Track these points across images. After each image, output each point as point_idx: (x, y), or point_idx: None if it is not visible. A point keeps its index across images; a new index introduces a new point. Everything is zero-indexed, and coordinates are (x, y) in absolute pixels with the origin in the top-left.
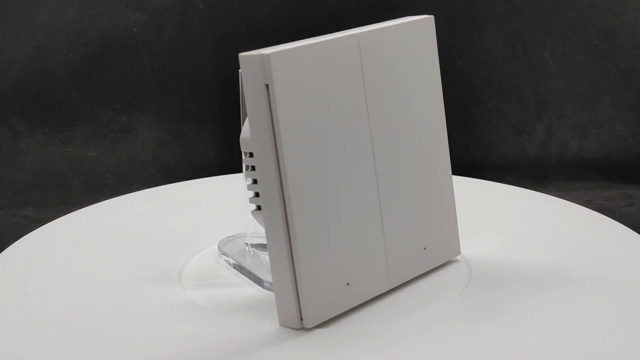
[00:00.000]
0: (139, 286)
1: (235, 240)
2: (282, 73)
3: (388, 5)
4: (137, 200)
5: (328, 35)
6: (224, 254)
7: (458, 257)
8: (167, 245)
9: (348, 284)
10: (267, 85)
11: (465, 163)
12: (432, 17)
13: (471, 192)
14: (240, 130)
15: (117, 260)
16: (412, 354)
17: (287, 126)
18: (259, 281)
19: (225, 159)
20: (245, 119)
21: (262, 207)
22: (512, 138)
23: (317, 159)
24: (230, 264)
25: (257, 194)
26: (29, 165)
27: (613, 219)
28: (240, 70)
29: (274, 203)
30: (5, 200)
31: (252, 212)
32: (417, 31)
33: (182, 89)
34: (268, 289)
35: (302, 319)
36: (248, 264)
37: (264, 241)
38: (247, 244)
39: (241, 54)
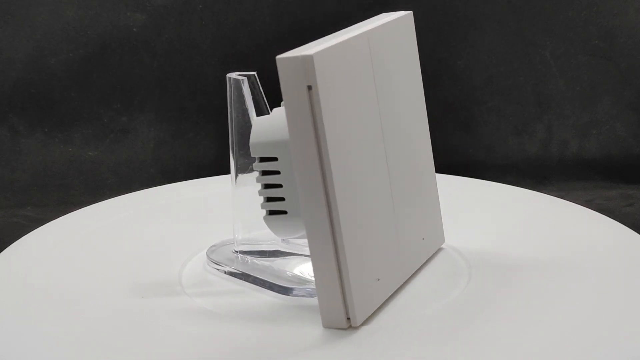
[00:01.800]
0: (140, 287)
1: (221, 249)
2: (324, 73)
3: (388, 6)
4: (136, 201)
5: (336, 34)
6: (216, 262)
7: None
8: (166, 247)
9: (379, 279)
10: (309, 87)
11: (465, 163)
12: (411, 12)
13: (471, 192)
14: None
15: (117, 261)
16: (463, 339)
17: (330, 127)
18: (282, 289)
19: (225, 159)
20: (233, 126)
21: (303, 211)
22: (512, 138)
23: (352, 160)
24: (225, 272)
25: (269, 199)
26: (29, 165)
27: (613, 219)
28: (228, 75)
29: (318, 206)
30: (5, 200)
31: (265, 217)
32: (402, 28)
33: (182, 89)
34: (296, 295)
35: (348, 319)
36: (256, 271)
37: (254, 248)
38: (236, 251)
39: (279, 57)
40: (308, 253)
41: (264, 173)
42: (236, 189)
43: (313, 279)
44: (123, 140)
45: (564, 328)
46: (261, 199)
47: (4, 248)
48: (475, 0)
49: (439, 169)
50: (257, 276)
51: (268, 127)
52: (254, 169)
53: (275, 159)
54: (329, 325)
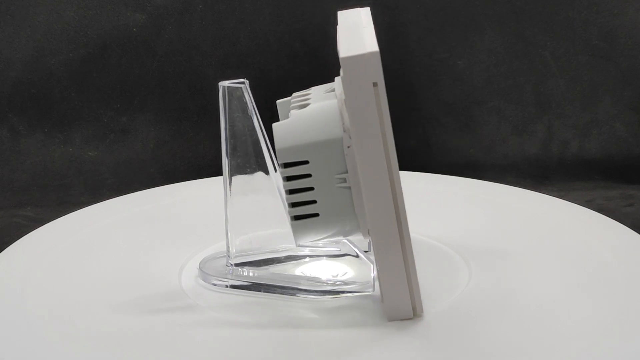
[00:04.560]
0: (141, 288)
1: (212, 263)
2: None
3: (389, 6)
4: (136, 201)
5: (345, 31)
6: (215, 276)
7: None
8: (166, 249)
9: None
10: (374, 84)
11: (466, 163)
12: (368, 8)
13: (471, 192)
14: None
15: (117, 261)
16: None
17: (389, 122)
18: (317, 293)
19: None
20: (227, 135)
21: (368, 208)
22: (512, 138)
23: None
24: (227, 286)
25: (294, 204)
26: (28, 165)
27: (613, 219)
28: (221, 83)
29: (386, 202)
30: (5, 200)
31: (292, 223)
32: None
33: (182, 89)
34: (328, 296)
35: (413, 309)
36: (269, 280)
37: (254, 258)
38: (231, 264)
39: (344, 56)
40: (322, 253)
41: (290, 178)
42: (231, 199)
43: (330, 279)
44: (123, 140)
45: (565, 327)
46: (264, 209)
47: (4, 248)
48: (475, 0)
49: (439, 169)
50: (277, 284)
51: (294, 130)
52: (281, 175)
53: (305, 162)
54: (394, 317)
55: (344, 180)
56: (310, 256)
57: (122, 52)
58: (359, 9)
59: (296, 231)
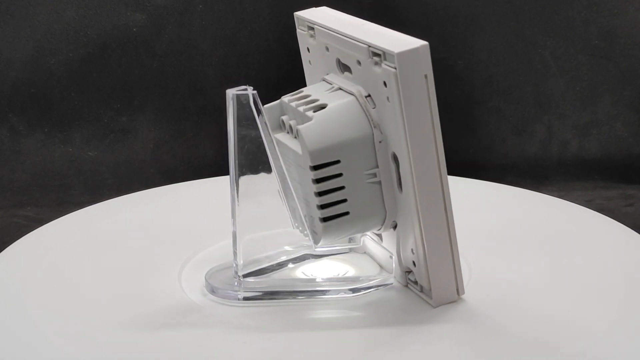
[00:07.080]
0: (142, 290)
1: (218, 276)
2: None
3: (388, 6)
4: (136, 201)
5: (350, 29)
6: (225, 289)
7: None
8: (167, 248)
9: None
10: (425, 76)
11: (466, 163)
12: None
13: (471, 192)
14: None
15: (117, 261)
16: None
17: (437, 112)
18: (348, 291)
19: (225, 159)
20: (237, 145)
21: (420, 197)
22: (512, 138)
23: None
24: (239, 299)
25: (323, 206)
26: (28, 165)
27: (613, 219)
28: (228, 91)
29: (436, 190)
30: (5, 200)
31: (324, 225)
32: None
33: (182, 89)
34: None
35: (458, 291)
36: (286, 287)
37: (258, 266)
38: (240, 275)
39: (399, 52)
40: (333, 252)
41: (319, 180)
42: (239, 208)
43: (354, 276)
44: (123, 140)
45: (565, 327)
46: (267, 214)
47: (4, 248)
48: (476, 0)
49: None
50: (295, 289)
51: (323, 131)
52: (312, 177)
53: (337, 162)
54: (440, 302)
55: (374, 175)
56: (325, 256)
57: (122, 52)
58: (315, 8)
59: (326, 233)
